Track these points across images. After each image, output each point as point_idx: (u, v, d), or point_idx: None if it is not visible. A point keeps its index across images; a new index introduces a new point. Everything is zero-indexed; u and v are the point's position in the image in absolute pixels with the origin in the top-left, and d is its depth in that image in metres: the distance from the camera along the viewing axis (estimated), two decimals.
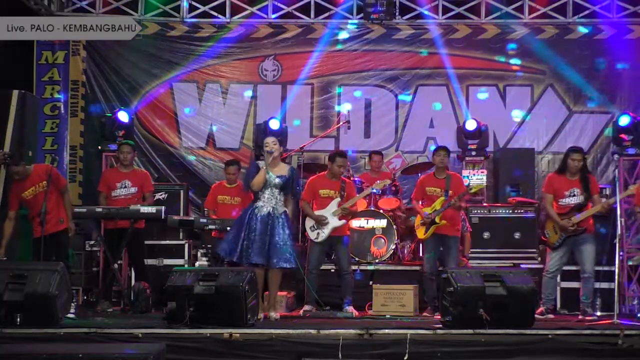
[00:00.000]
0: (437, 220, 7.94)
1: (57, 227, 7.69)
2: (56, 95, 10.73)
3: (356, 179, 9.33)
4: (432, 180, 8.19)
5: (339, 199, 8.08)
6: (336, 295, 8.29)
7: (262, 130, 10.29)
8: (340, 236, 8.04)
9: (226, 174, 8.95)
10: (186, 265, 8.63)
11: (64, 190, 7.93)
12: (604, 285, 8.01)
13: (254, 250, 7.10)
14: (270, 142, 7.34)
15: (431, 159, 8.93)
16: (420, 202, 8.21)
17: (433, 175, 8.25)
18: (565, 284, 8.33)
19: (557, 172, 7.95)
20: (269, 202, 7.26)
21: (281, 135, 9.70)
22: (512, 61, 10.94)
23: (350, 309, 7.92)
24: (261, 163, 7.34)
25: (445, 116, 10.93)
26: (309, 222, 8.06)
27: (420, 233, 8.15)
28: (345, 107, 10.89)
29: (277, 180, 7.26)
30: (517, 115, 10.91)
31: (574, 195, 7.69)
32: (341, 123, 10.49)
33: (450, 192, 7.98)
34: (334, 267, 8.43)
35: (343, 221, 8.06)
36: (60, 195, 7.82)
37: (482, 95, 10.95)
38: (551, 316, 7.62)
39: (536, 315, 6.82)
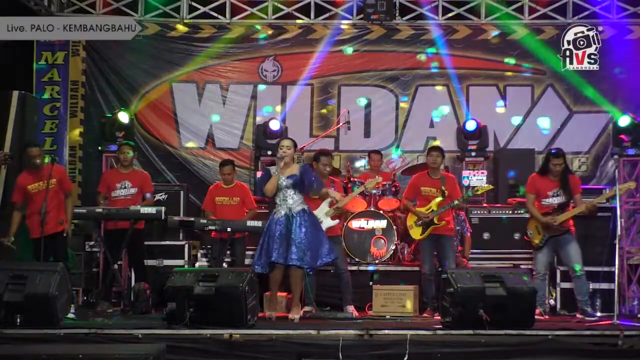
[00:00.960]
0: (435, 220, 7.92)
1: (56, 228, 7.68)
2: (56, 96, 10.73)
3: (355, 179, 9.32)
4: (427, 180, 8.06)
5: (329, 199, 8.08)
6: (336, 296, 8.27)
7: (263, 131, 10.31)
8: (332, 236, 7.99)
9: (222, 175, 8.78)
10: (186, 266, 8.63)
11: (69, 193, 7.94)
12: (604, 285, 7.99)
13: (274, 250, 7.11)
14: (285, 146, 7.30)
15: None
16: (412, 202, 8.16)
17: (427, 174, 8.12)
18: (564, 285, 8.30)
19: (540, 173, 7.88)
20: (284, 204, 7.24)
21: (281, 136, 9.70)
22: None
23: (350, 309, 7.91)
24: (273, 169, 7.33)
25: (445, 116, 10.94)
26: None
27: (416, 234, 8.08)
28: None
29: (288, 181, 7.24)
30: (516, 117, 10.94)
31: (558, 195, 7.64)
32: (341, 123, 10.47)
33: (446, 192, 7.92)
34: (331, 268, 8.41)
35: (336, 221, 8.04)
36: (64, 196, 7.82)
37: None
38: (546, 317, 7.55)
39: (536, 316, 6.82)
